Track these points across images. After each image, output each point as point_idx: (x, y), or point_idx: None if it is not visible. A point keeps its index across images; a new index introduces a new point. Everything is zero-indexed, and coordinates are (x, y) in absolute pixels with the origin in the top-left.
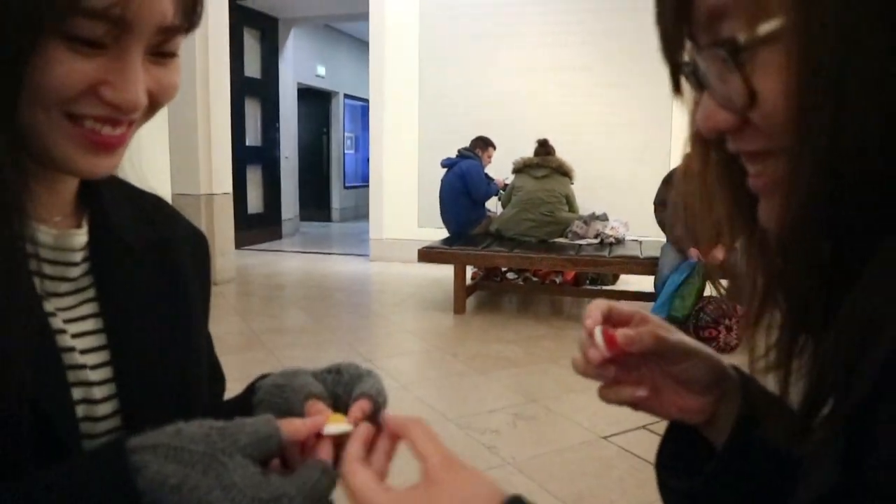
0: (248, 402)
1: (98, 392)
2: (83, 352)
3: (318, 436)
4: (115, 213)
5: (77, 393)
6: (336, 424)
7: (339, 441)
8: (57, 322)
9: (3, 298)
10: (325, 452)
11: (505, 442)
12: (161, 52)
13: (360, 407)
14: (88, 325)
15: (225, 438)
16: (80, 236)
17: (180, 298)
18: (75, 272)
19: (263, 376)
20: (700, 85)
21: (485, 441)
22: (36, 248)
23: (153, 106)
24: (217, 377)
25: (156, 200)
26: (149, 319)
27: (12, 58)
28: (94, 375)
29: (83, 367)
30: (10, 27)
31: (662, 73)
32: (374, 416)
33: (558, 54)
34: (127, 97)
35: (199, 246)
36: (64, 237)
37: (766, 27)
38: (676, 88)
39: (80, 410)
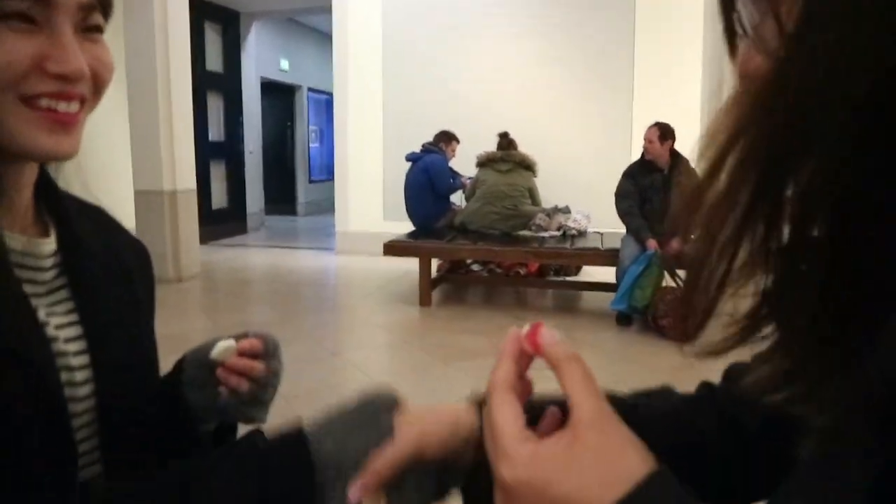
0: (177, 378)
1: (79, 375)
2: (66, 340)
3: None
4: (76, 222)
5: (62, 377)
6: (224, 346)
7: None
8: (41, 315)
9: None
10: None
11: None
12: (87, 28)
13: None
14: (67, 318)
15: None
16: (49, 245)
17: (134, 295)
18: (46, 276)
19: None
20: (745, 31)
21: None
22: (10, 255)
23: (97, 85)
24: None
25: (99, 211)
26: (115, 313)
27: None
28: (74, 361)
29: (66, 353)
30: None
31: (624, 69)
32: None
33: (522, 49)
34: (70, 66)
35: (141, 255)
36: (32, 245)
37: None
38: (732, 51)
39: (65, 392)
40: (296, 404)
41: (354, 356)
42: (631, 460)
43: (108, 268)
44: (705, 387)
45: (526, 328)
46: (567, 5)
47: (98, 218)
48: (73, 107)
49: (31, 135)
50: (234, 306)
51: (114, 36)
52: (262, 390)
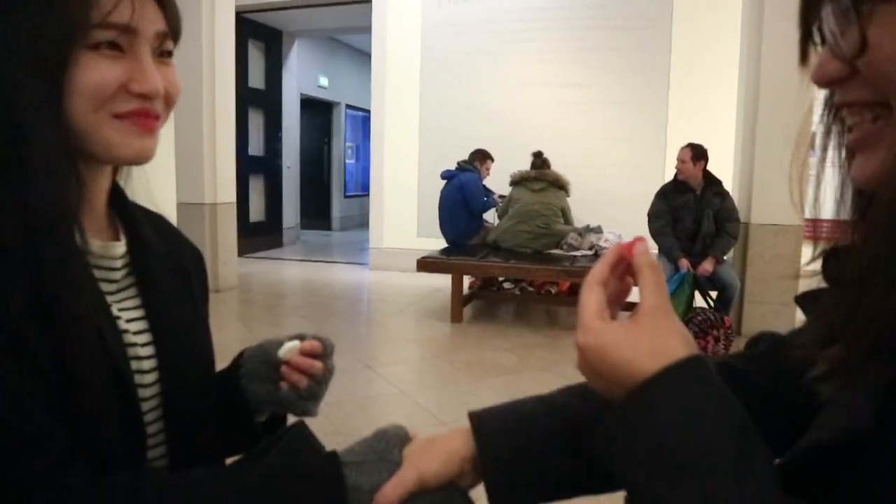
0: (235, 373)
1: (146, 364)
2: (136, 333)
3: None
4: (142, 227)
5: (132, 366)
6: (289, 347)
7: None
8: (114, 310)
9: (80, 291)
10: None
11: None
12: (161, 53)
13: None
14: (135, 313)
15: (381, 443)
16: (120, 247)
17: (193, 296)
18: (118, 275)
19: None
20: (823, 40)
21: None
22: (90, 258)
23: (167, 102)
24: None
25: (160, 218)
26: (176, 309)
27: (55, 69)
28: (142, 351)
29: (135, 344)
30: (47, 44)
31: (658, 91)
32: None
33: (556, 70)
34: (150, 85)
35: (197, 259)
36: (107, 247)
37: None
38: (804, 58)
39: (136, 379)
40: (330, 413)
41: (386, 370)
42: (675, 344)
43: (170, 269)
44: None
45: (628, 241)
46: (602, 28)
47: (159, 224)
48: (151, 121)
49: (123, 139)
50: (269, 318)
51: None
52: (318, 386)
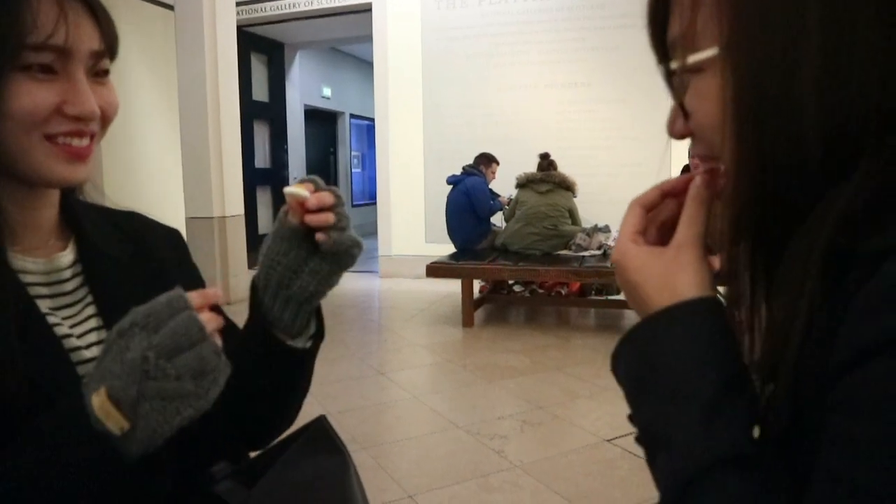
0: (255, 297)
1: None
2: (89, 346)
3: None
4: (95, 232)
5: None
6: (297, 188)
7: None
8: (63, 328)
9: (12, 318)
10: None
11: (513, 447)
12: (97, 73)
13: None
14: (91, 323)
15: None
16: (66, 256)
17: (168, 289)
18: (69, 286)
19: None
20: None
21: (494, 446)
22: (29, 276)
23: (104, 122)
24: (234, 332)
25: (127, 216)
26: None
27: None
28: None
29: (92, 359)
30: None
31: (660, 87)
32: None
33: (558, 71)
34: (85, 108)
35: (175, 242)
36: (52, 261)
37: (693, 58)
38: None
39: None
40: (344, 420)
41: (399, 375)
42: (686, 282)
43: (134, 272)
44: None
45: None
46: (601, 27)
47: (128, 224)
48: (85, 142)
49: (51, 166)
50: None
51: (167, 71)
52: (343, 217)
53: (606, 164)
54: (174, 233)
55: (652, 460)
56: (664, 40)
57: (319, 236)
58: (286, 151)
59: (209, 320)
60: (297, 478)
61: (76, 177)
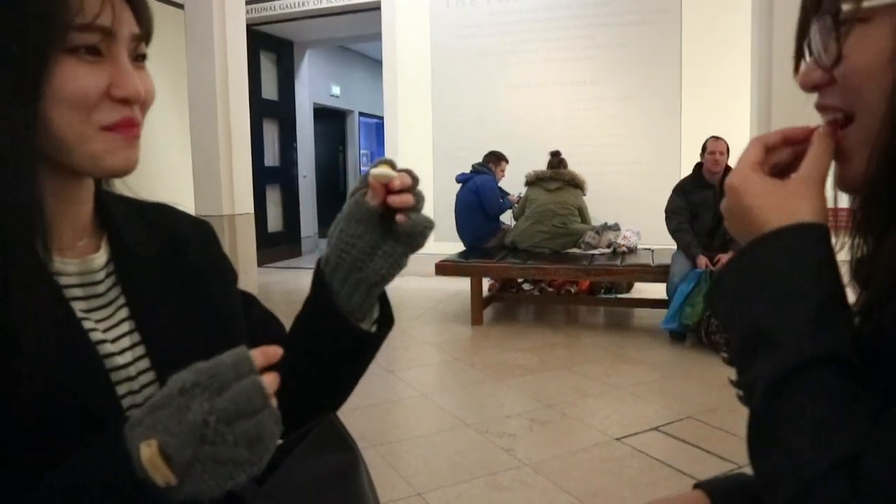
0: (321, 280)
1: (138, 382)
2: (122, 352)
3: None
4: (127, 230)
5: (122, 388)
6: (383, 169)
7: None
8: (97, 334)
9: (52, 326)
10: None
11: (522, 445)
12: (136, 56)
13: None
14: (124, 327)
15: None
16: (99, 258)
17: (197, 289)
18: (102, 288)
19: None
20: (811, 54)
21: (503, 445)
22: (65, 279)
23: (142, 108)
24: (274, 321)
25: (157, 209)
26: (172, 311)
27: (32, 73)
28: (133, 369)
29: (125, 366)
30: (21, 48)
31: (671, 86)
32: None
33: (567, 69)
34: (131, 89)
35: (204, 234)
36: (86, 263)
37: (868, 2)
38: (797, 68)
39: (126, 401)
40: (353, 418)
41: (408, 373)
42: (805, 208)
43: (163, 268)
44: None
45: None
46: (610, 24)
47: (158, 218)
48: (136, 130)
49: (113, 152)
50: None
51: (177, 69)
52: (420, 198)
53: (615, 162)
54: (205, 225)
55: (749, 360)
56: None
57: (400, 217)
58: (295, 150)
59: (270, 383)
60: (308, 474)
61: (129, 163)
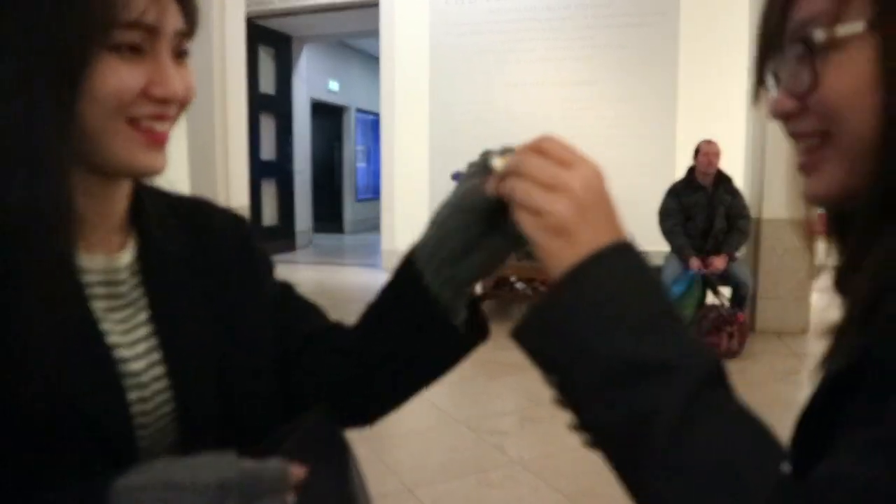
0: (411, 270)
1: (150, 390)
2: (137, 357)
3: None
4: (158, 228)
5: (133, 395)
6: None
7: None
8: (114, 337)
9: (62, 327)
10: None
11: (513, 442)
12: (178, 53)
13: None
14: (142, 331)
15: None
16: (125, 257)
17: (224, 293)
18: (125, 287)
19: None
20: (777, 82)
21: (493, 442)
22: (88, 275)
23: (181, 106)
24: (314, 312)
25: (192, 204)
26: (193, 316)
27: (72, 70)
28: (146, 377)
29: (138, 373)
30: (63, 44)
31: (667, 89)
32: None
33: (564, 68)
34: (171, 89)
35: (238, 229)
36: (112, 260)
37: (842, 30)
38: (756, 97)
39: (136, 409)
40: None
41: None
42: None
43: (191, 270)
44: None
45: None
46: (609, 25)
47: (192, 212)
48: (167, 126)
49: (133, 154)
50: None
51: None
52: None
53: (612, 163)
54: (238, 219)
55: (623, 394)
56: (784, 25)
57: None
58: (292, 145)
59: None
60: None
61: (156, 165)
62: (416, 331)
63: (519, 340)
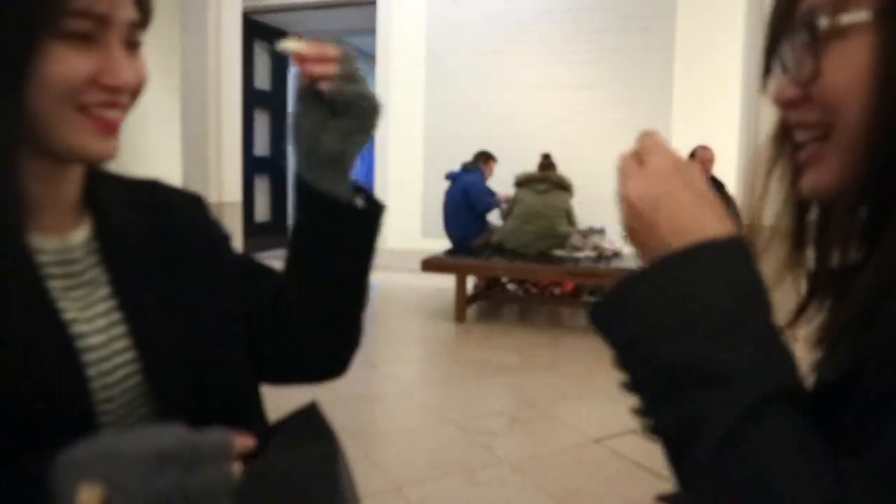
0: (298, 179)
1: (111, 363)
2: (97, 331)
3: None
4: (114, 209)
5: (93, 369)
6: (288, 42)
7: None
8: (71, 313)
9: (17, 306)
10: None
11: (501, 443)
12: (130, 44)
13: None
14: (101, 307)
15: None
16: (77, 236)
17: (186, 268)
18: (80, 266)
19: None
20: (784, 70)
21: (482, 442)
22: (42, 255)
23: (133, 95)
24: (274, 275)
25: (150, 187)
26: (156, 290)
27: (20, 57)
28: (107, 350)
29: (98, 346)
30: (10, 31)
31: (662, 93)
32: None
33: (561, 71)
34: (122, 79)
35: (198, 209)
36: (64, 240)
37: (846, 18)
38: (764, 86)
39: (97, 383)
40: (334, 411)
41: (391, 368)
42: (711, 221)
43: (151, 248)
44: None
45: None
46: (606, 30)
47: (149, 194)
48: (119, 113)
49: (83, 140)
50: None
51: (170, 55)
52: (350, 70)
53: (605, 167)
54: (196, 199)
55: (675, 399)
56: (793, 12)
57: (323, 86)
58: (286, 141)
59: (237, 472)
60: (286, 464)
61: (108, 152)
62: (330, 227)
63: (593, 318)
